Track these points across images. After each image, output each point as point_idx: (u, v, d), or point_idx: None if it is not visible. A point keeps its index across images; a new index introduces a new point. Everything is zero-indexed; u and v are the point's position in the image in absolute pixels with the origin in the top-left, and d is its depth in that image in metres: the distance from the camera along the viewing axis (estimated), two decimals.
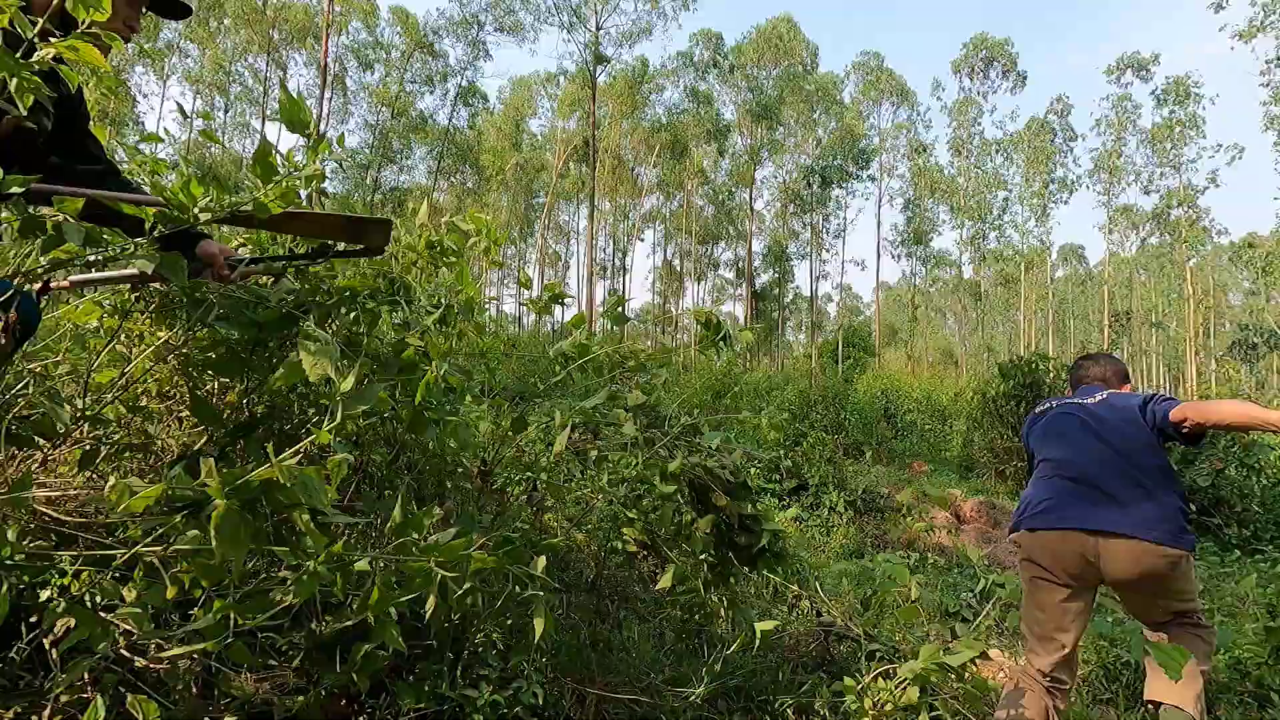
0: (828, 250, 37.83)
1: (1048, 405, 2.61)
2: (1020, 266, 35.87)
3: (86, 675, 1.21)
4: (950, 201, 36.73)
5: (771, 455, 8.40)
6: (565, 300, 2.24)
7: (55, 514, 1.26)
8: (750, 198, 34.75)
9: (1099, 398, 2.45)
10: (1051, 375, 9.80)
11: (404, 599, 1.16)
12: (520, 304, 35.36)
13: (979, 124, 35.76)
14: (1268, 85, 23.78)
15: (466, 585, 1.24)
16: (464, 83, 30.52)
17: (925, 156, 36.83)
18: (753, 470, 8.33)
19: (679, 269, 43.25)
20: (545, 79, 36.23)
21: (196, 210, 1.12)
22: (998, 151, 34.31)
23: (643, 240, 41.21)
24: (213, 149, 25.49)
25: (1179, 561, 2.13)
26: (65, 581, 1.15)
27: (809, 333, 40.34)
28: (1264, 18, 23.42)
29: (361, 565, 1.09)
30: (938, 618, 5.42)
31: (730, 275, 46.06)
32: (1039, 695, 2.21)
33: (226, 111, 32.06)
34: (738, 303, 45.23)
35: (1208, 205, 51.92)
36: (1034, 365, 9.82)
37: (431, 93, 31.72)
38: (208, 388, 1.68)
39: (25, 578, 1.15)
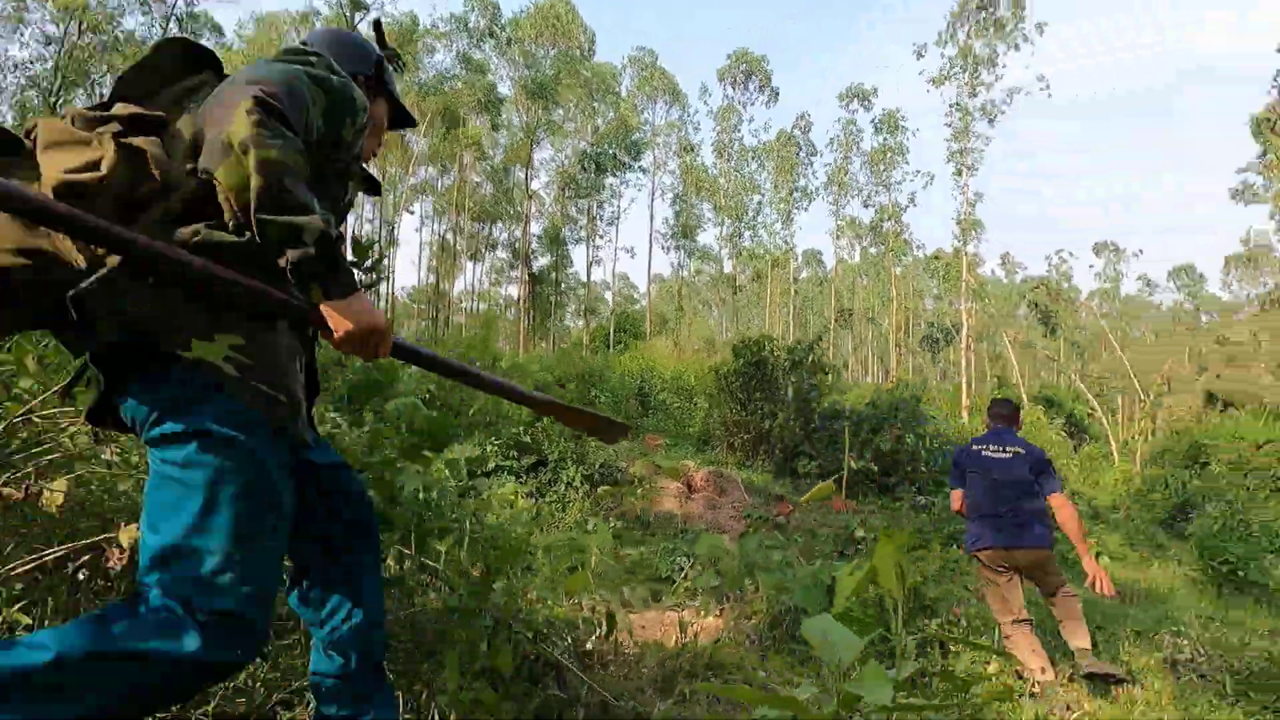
0: (602, 236, 38.70)
1: (978, 446, 3.95)
2: (769, 264, 39.96)
3: None
4: (713, 200, 39.64)
5: (511, 433, 8.09)
6: None
7: None
8: (528, 178, 34.20)
9: (1009, 453, 3.81)
10: (775, 355, 10.75)
11: None
12: None
13: (739, 130, 39.02)
14: (949, 125, 29.01)
15: None
16: (186, 5, 25.76)
17: (693, 156, 39.27)
18: (489, 448, 7.95)
19: (455, 247, 41.33)
20: (297, 19, 32.09)
21: None
22: (753, 158, 37.75)
23: (411, 213, 38.58)
24: None
25: (1052, 556, 3.68)
26: None
27: (585, 318, 41.03)
28: (950, 68, 28.52)
29: None
30: (646, 580, 5.51)
31: (508, 256, 45.20)
32: (1023, 629, 3.60)
33: None
34: (515, 285, 44.53)
35: (909, 220, 62.70)
36: (761, 346, 10.69)
37: (146, 13, 26.33)
38: None
39: None
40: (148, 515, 1.09)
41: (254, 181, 1.02)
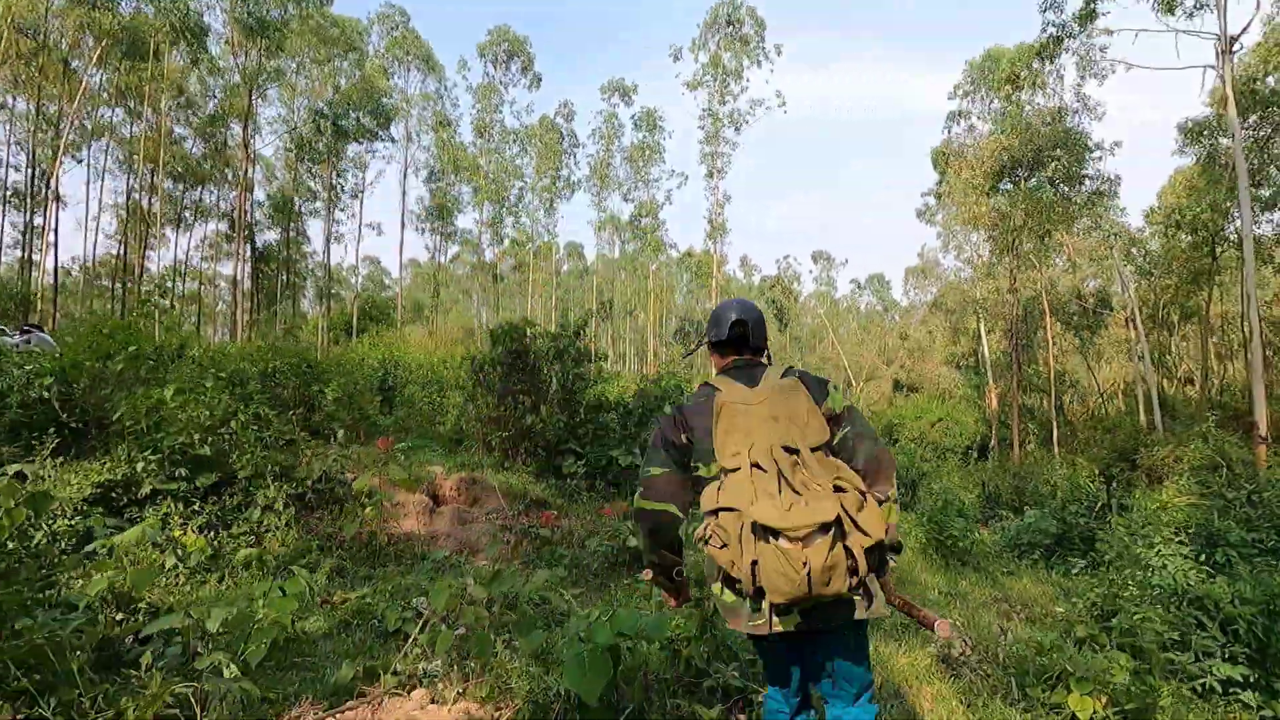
0: (343, 209, 34.33)
1: None
2: (531, 254, 38.94)
3: None
4: (474, 181, 37.42)
5: (176, 442, 5.88)
6: None
7: None
8: (247, 133, 28.72)
9: None
10: (537, 342, 9.69)
11: None
12: None
13: (500, 112, 37.27)
14: (702, 129, 30.64)
15: None
16: None
17: (450, 132, 36.62)
18: (140, 466, 5.70)
19: (150, 211, 33.51)
20: None
21: None
22: (515, 141, 36.33)
23: (80, 161, 30.41)
24: None
25: None
26: None
27: (324, 302, 36.09)
28: (702, 75, 30.07)
29: None
30: (365, 646, 4.04)
31: (227, 228, 38.06)
32: None
33: None
34: (234, 261, 37.65)
35: (665, 218, 65.98)
36: (522, 332, 9.54)
37: None
38: None
39: None
40: None
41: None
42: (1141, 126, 66.83)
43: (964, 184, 22.17)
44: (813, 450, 1.89)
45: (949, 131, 28.26)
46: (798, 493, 1.78)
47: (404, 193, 37.42)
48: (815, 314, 47.37)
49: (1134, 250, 22.98)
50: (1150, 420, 20.22)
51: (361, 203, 34.29)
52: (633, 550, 6.07)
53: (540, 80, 38.48)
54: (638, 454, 8.57)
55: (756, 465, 1.83)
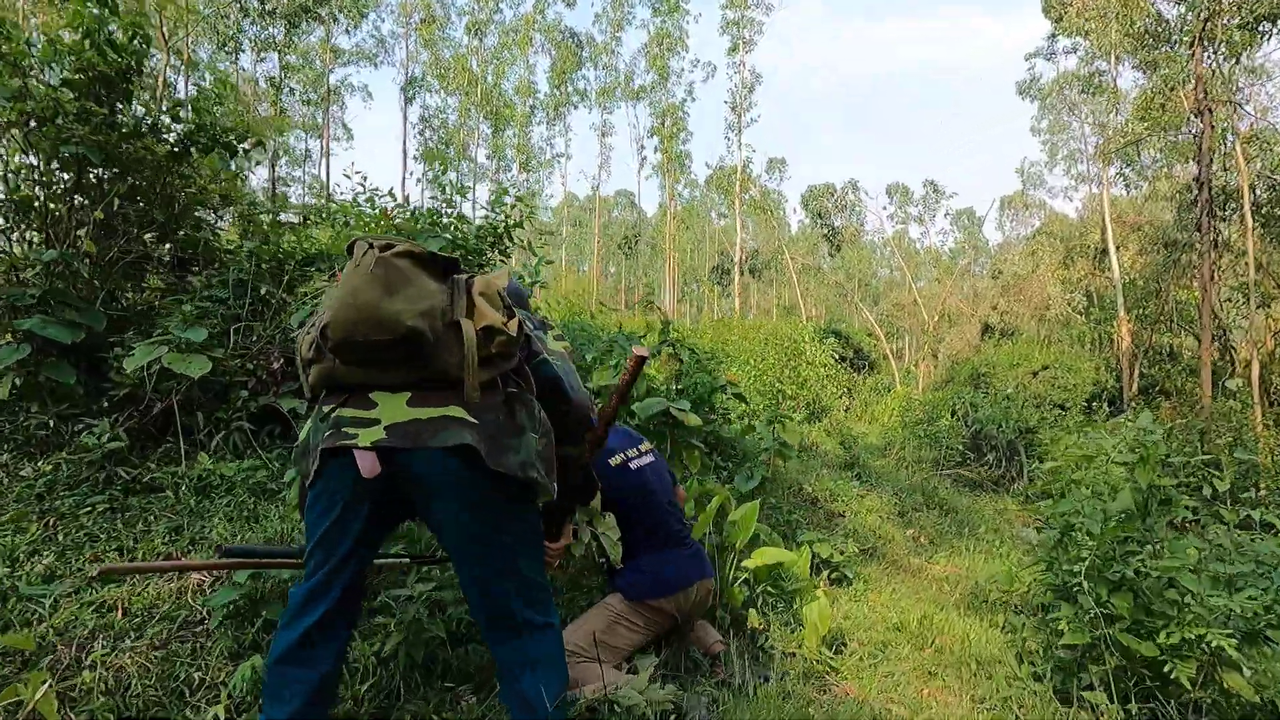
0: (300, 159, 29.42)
1: (614, 459, 2.54)
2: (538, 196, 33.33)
3: None
4: (468, 97, 31.92)
5: None
6: None
7: None
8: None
9: (648, 454, 2.65)
10: None
11: None
12: None
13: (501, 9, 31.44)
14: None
15: None
16: None
17: (437, 28, 31.11)
18: None
19: None
20: None
21: None
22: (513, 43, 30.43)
23: None
24: None
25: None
26: None
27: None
28: None
29: None
30: None
31: None
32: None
33: None
34: None
35: (693, 130, 56.13)
36: None
37: None
38: None
39: None
40: None
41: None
42: None
43: None
44: None
45: None
46: None
47: (405, 142, 32.24)
48: (898, 253, 39.80)
49: None
50: None
51: (325, 147, 29.16)
52: None
53: None
54: None
55: None
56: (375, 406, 1.42)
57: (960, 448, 9.12)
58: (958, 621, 3.75)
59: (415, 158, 32.99)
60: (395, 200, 5.01)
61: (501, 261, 5.19)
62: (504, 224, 5.13)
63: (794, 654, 2.79)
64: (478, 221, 5.12)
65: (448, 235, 4.45)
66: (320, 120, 32.48)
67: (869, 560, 4.91)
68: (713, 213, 40.07)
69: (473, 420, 1.43)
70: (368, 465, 1.38)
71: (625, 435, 2.70)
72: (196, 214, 4.07)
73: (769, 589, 3.09)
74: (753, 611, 2.88)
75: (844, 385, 16.66)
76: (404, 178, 31.97)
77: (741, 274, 34.19)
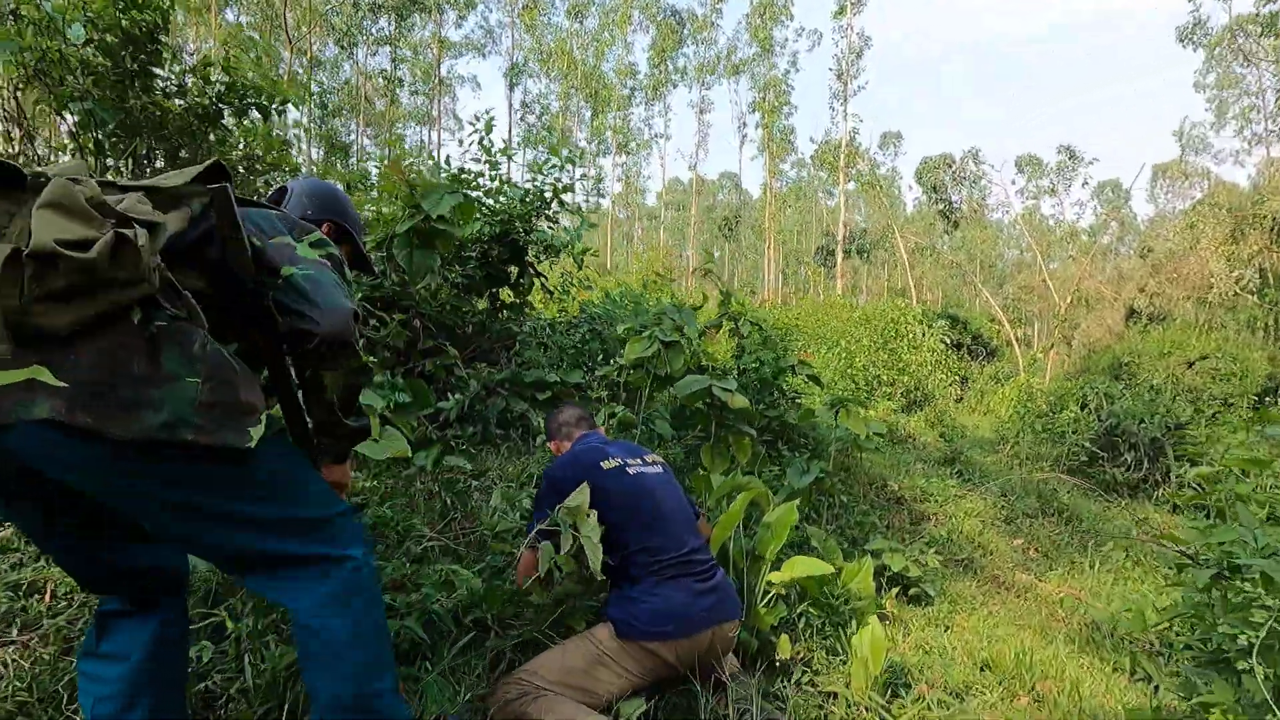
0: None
1: (607, 461, 2.17)
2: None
3: None
4: (584, 90, 32.05)
5: None
6: None
7: None
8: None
9: (655, 465, 2.28)
10: None
11: None
12: None
13: None
14: None
15: None
16: None
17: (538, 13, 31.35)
18: None
19: None
20: None
21: None
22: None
23: None
24: None
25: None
26: None
27: None
28: None
29: None
30: None
31: None
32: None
33: None
34: None
35: (797, 103, 53.80)
36: None
37: None
38: None
39: None
40: None
41: (344, 383, 1.40)
42: None
43: None
44: None
45: None
46: None
47: (510, 106, 32.98)
48: (1026, 231, 36.39)
49: None
50: None
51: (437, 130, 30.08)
52: None
53: None
54: None
55: None
56: None
57: (1089, 444, 7.89)
58: (1068, 661, 3.00)
59: (518, 144, 33.60)
60: (503, 145, 4.79)
61: (549, 228, 4.82)
62: (554, 188, 4.77)
63: (836, 695, 2.23)
64: (525, 185, 4.79)
65: (480, 195, 4.11)
66: (434, 112, 33.80)
67: (961, 574, 4.16)
68: (820, 192, 38.16)
69: (59, 384, 1.06)
70: None
71: (627, 447, 2.35)
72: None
73: (810, 609, 2.52)
74: (784, 638, 2.33)
75: (956, 373, 15.23)
76: (508, 163, 32.60)
77: (847, 254, 32.37)
